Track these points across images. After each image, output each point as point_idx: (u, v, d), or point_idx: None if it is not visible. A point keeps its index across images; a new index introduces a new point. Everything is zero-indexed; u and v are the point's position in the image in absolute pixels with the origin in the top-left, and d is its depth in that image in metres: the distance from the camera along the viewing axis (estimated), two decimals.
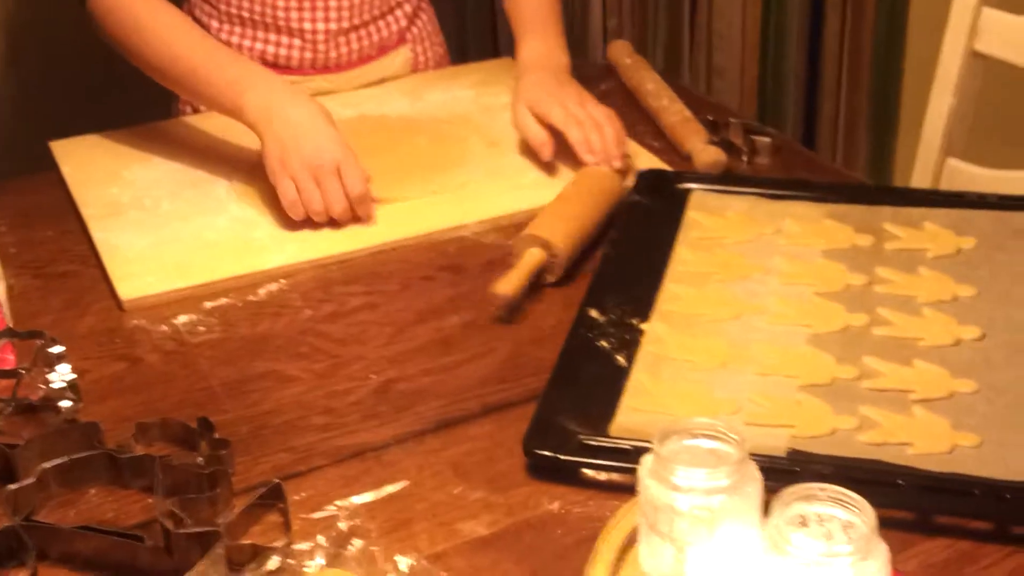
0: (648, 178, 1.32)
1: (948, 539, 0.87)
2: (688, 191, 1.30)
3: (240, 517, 0.88)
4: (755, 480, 0.77)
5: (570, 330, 1.08)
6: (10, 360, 1.06)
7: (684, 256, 1.20)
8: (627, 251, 1.20)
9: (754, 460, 0.82)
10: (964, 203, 1.25)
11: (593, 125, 1.33)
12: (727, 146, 1.41)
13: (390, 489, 0.93)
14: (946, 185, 1.50)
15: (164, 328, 1.14)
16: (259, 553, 0.84)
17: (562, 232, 1.19)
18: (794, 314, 1.11)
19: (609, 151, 1.32)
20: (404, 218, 1.28)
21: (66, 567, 0.87)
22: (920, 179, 1.52)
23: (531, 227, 1.19)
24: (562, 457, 0.93)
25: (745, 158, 1.40)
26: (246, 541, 0.87)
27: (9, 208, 1.37)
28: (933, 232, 1.21)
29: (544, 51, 1.44)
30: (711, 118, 1.45)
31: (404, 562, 0.84)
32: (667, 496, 0.76)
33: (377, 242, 1.25)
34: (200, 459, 0.95)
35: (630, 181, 1.32)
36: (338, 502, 0.91)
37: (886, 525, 0.83)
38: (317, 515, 0.91)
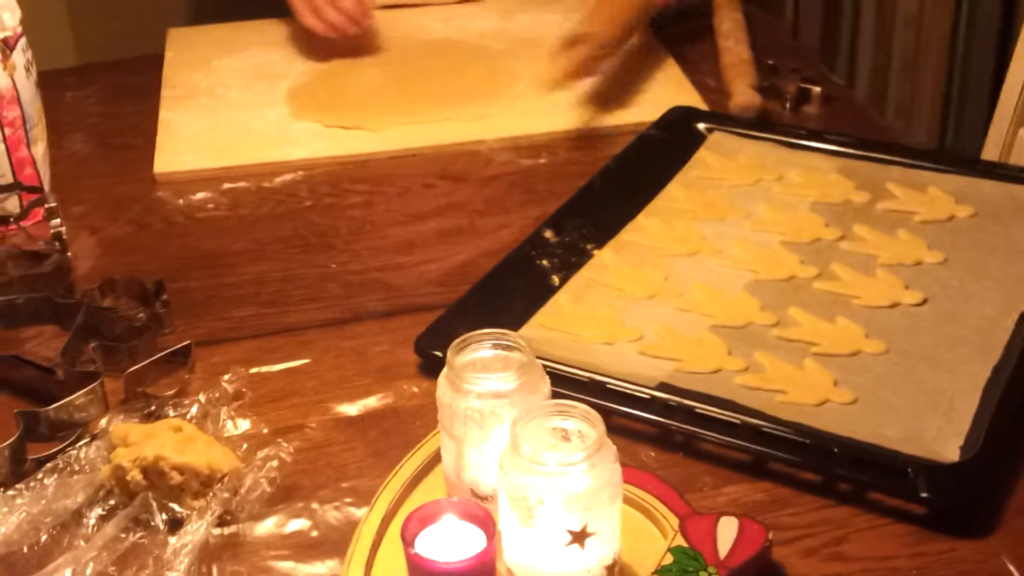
0: (673, 114, 1.33)
1: (772, 483, 0.88)
2: (710, 131, 1.31)
3: (146, 367, 0.99)
4: (541, 388, 0.81)
5: (517, 246, 1.12)
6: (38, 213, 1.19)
7: (673, 193, 1.22)
8: (617, 180, 1.23)
9: (625, 388, 0.90)
10: (980, 171, 1.21)
11: None
12: (775, 92, 1.40)
13: (290, 365, 1.02)
14: (1016, 157, 1.44)
15: (180, 202, 1.26)
16: (135, 398, 0.95)
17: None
18: (747, 259, 1.11)
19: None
20: (426, 133, 1.35)
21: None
22: (991, 150, 1.46)
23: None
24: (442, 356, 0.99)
25: (788, 105, 1.39)
26: (143, 389, 0.97)
27: (107, 83, 1.51)
28: (934, 196, 1.18)
29: None
30: (771, 62, 1.44)
31: (243, 425, 0.92)
32: (449, 397, 0.81)
33: (395, 147, 1.32)
34: (142, 315, 1.06)
35: None
36: (241, 369, 1.00)
37: (721, 463, 0.86)
38: (225, 378, 0.99)
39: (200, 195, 1.27)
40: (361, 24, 1.49)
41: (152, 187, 1.29)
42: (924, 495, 0.84)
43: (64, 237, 1.13)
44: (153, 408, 0.94)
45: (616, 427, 0.93)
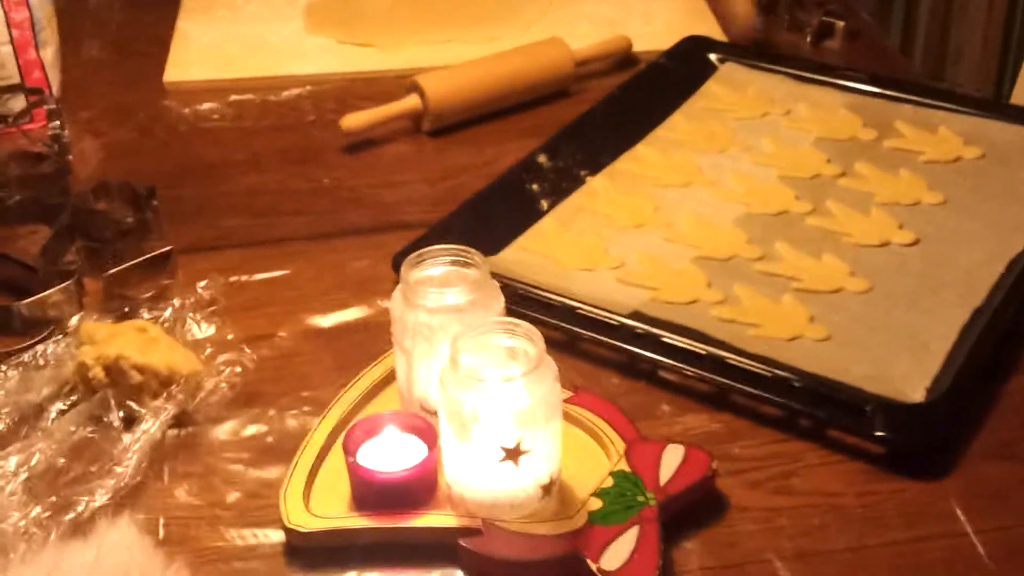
0: (685, 44, 1.31)
1: (732, 415, 0.87)
2: (722, 62, 1.28)
3: (127, 270, 1.00)
4: (493, 306, 0.80)
5: (508, 169, 1.11)
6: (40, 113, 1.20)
7: (676, 123, 1.20)
8: (619, 109, 1.21)
9: (594, 314, 0.90)
10: (995, 112, 1.18)
11: None
12: (796, 25, 1.37)
13: (270, 275, 1.02)
14: None
15: (186, 111, 1.27)
16: (113, 299, 0.96)
17: (448, 87, 1.20)
18: (740, 192, 1.10)
19: None
20: (436, 53, 1.33)
21: None
22: (1020, 94, 1.42)
23: (427, 75, 1.21)
24: None
25: (809, 39, 1.36)
26: (120, 291, 0.98)
27: None
28: (942, 136, 1.15)
29: None
30: None
31: (209, 330, 0.93)
32: (400, 310, 0.80)
33: (404, 66, 1.31)
34: (130, 219, 1.07)
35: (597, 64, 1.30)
36: (218, 277, 1.01)
37: (684, 392, 0.86)
38: (201, 284, 1.00)
39: (206, 105, 1.27)
40: None
41: (161, 95, 1.30)
42: (879, 434, 0.82)
43: (65, 140, 1.14)
44: (128, 310, 0.95)
45: (584, 352, 0.93)
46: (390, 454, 0.78)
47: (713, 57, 1.28)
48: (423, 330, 0.79)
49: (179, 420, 0.86)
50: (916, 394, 0.86)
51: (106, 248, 1.02)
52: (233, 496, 0.82)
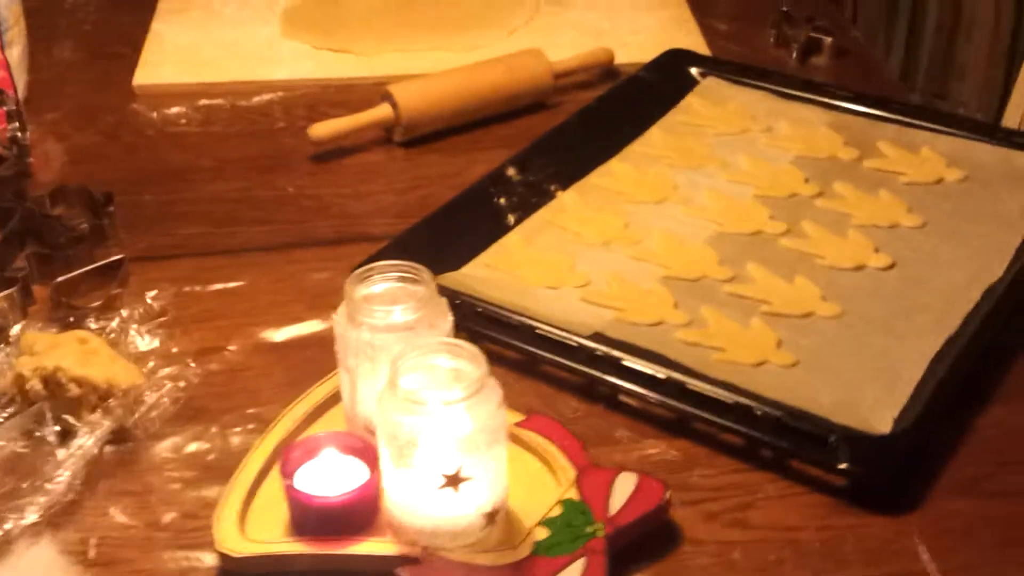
0: (666, 57, 1.28)
1: (691, 443, 0.84)
2: (704, 75, 1.25)
3: (77, 278, 0.97)
4: (440, 325, 0.77)
5: (476, 181, 1.08)
6: None
7: (652, 138, 1.17)
8: (594, 122, 1.18)
9: (553, 334, 0.88)
10: (980, 134, 1.14)
11: None
12: (783, 40, 1.34)
13: (224, 286, 0.99)
14: None
15: (153, 115, 1.24)
16: (61, 308, 0.93)
17: (420, 97, 1.17)
18: (714, 210, 1.07)
19: None
20: (414, 60, 1.31)
21: None
22: (1012, 115, 1.39)
23: (399, 84, 1.18)
24: None
25: (795, 55, 1.33)
26: (67, 299, 0.95)
27: None
28: (925, 157, 1.12)
29: None
30: (785, 9, 1.37)
31: (154, 343, 0.90)
32: (343, 327, 0.77)
33: (379, 73, 1.28)
34: (85, 225, 1.04)
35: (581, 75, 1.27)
36: (169, 287, 0.98)
37: (643, 418, 0.83)
38: (150, 295, 0.97)
39: (175, 110, 1.24)
40: None
41: (130, 99, 1.27)
42: (842, 466, 0.79)
43: (24, 142, 1.11)
44: (73, 320, 0.92)
45: (544, 374, 0.90)
46: (330, 477, 0.75)
47: (694, 71, 1.25)
48: (367, 349, 0.76)
49: (118, 436, 0.83)
50: (883, 425, 0.83)
51: (58, 255, 1.00)
52: (169, 516, 0.79)
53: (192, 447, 0.84)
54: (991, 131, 1.15)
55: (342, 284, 0.95)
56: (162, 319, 0.94)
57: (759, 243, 1.03)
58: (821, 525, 0.77)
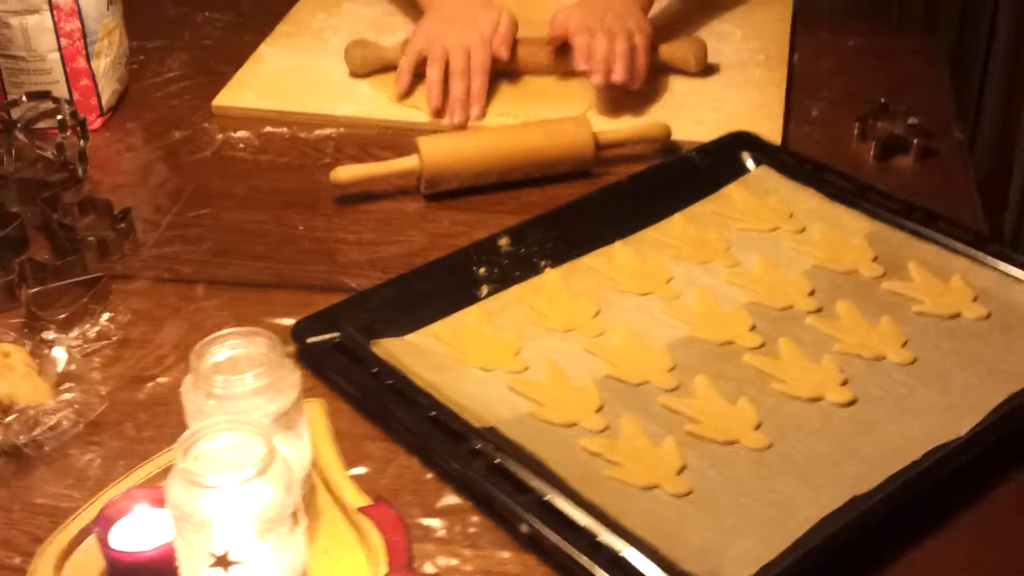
0: (725, 140, 1.22)
1: (536, 559, 0.80)
2: (759, 163, 1.19)
3: (54, 290, 1.02)
4: (287, 390, 0.78)
5: (463, 247, 1.07)
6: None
7: (672, 225, 1.12)
8: (618, 200, 1.14)
9: (448, 423, 0.86)
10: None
11: (606, 36, 1.24)
12: (865, 134, 1.26)
13: (186, 318, 1.02)
14: None
15: (219, 137, 1.29)
16: (31, 318, 0.98)
17: (447, 152, 1.16)
18: (695, 311, 1.02)
19: (609, 61, 1.24)
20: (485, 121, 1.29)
21: None
22: None
23: (428, 137, 1.17)
24: (308, 341, 0.97)
25: (873, 151, 1.24)
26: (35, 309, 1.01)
27: (239, 8, 1.55)
28: (953, 287, 1.03)
29: None
30: (884, 101, 1.29)
31: (81, 363, 0.94)
32: (190, 397, 0.78)
33: (445, 123, 1.28)
34: (91, 238, 1.09)
35: (620, 135, 1.23)
36: (124, 310, 1.02)
37: (505, 524, 0.82)
38: (104, 317, 1.01)
39: (240, 133, 1.29)
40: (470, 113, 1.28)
41: (207, 118, 1.32)
42: None
43: (76, 149, 1.18)
44: (27, 330, 0.97)
45: (436, 460, 0.88)
46: (146, 532, 0.77)
47: (748, 158, 1.19)
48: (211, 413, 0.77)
49: (9, 452, 0.87)
50: None
51: (49, 264, 1.05)
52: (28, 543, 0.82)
53: (68, 481, 0.86)
54: None
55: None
56: (105, 342, 0.98)
57: (723, 355, 0.97)
58: None
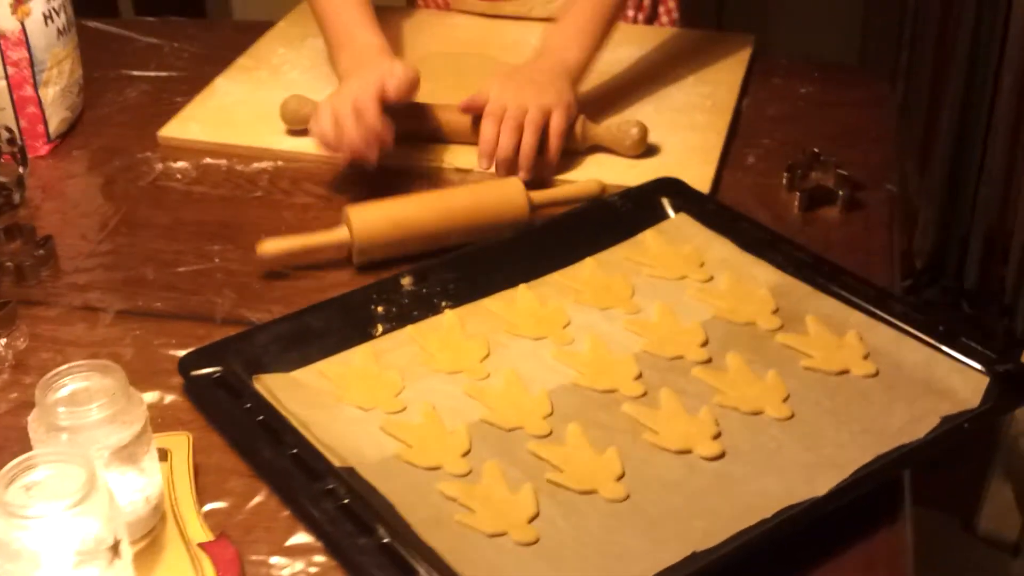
0: (650, 186, 1.22)
1: None
2: (678, 210, 1.19)
3: None
4: (133, 422, 0.80)
5: (363, 286, 1.08)
6: None
7: (580, 270, 1.13)
8: (531, 244, 1.15)
9: (306, 458, 0.87)
10: (918, 328, 1.03)
11: (515, 122, 1.22)
12: (794, 184, 1.26)
13: (86, 347, 1.04)
14: None
15: (158, 167, 1.31)
16: None
17: (377, 220, 1.14)
18: (583, 360, 1.02)
19: (510, 160, 1.22)
20: (417, 152, 1.31)
21: None
22: None
23: (357, 206, 1.15)
24: (192, 374, 0.98)
25: (798, 203, 1.24)
26: None
27: (211, 42, 1.58)
28: (846, 344, 1.03)
29: (557, 44, 1.32)
30: (816, 151, 1.29)
31: None
32: (36, 430, 0.81)
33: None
34: (10, 263, 1.12)
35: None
36: (24, 339, 1.04)
37: (348, 563, 0.83)
38: (2, 342, 1.04)
39: (179, 164, 1.31)
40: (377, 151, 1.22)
41: (150, 147, 1.35)
42: None
43: (4, 176, 1.22)
44: None
45: (293, 498, 0.89)
46: None
47: (668, 205, 1.20)
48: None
49: None
50: None
51: None
52: None
53: None
54: (929, 328, 1.02)
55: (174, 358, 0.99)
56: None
57: (603, 403, 0.97)
58: None
